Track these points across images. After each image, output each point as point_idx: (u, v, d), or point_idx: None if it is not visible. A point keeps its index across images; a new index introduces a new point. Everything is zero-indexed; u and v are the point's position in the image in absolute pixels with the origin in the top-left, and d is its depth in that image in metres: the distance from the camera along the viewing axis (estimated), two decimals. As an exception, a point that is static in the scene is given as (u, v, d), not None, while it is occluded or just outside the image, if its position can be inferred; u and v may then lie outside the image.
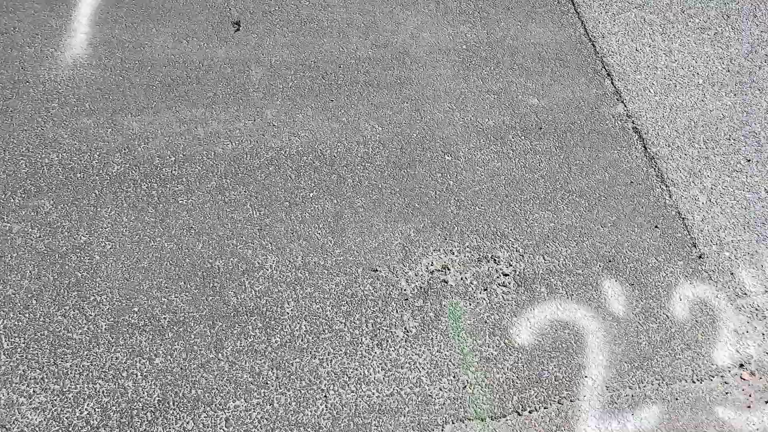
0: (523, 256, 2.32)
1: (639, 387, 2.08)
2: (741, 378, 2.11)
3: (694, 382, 2.10)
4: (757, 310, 2.25)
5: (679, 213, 2.45)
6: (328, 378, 2.03)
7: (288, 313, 2.13)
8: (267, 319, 2.11)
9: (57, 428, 1.87)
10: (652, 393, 2.08)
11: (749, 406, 2.06)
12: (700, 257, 2.35)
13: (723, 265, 2.34)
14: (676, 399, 2.07)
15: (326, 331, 2.11)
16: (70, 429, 1.87)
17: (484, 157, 2.54)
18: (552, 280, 2.27)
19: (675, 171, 2.54)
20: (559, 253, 2.33)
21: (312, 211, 2.34)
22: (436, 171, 2.48)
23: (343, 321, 2.14)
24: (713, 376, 2.12)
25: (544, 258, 2.31)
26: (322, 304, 2.16)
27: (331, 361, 2.06)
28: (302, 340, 2.09)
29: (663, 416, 2.03)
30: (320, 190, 2.39)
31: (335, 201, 2.37)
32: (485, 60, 2.81)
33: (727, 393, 2.09)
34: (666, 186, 2.51)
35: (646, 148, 2.60)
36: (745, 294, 2.28)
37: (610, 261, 2.32)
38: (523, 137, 2.60)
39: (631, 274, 2.30)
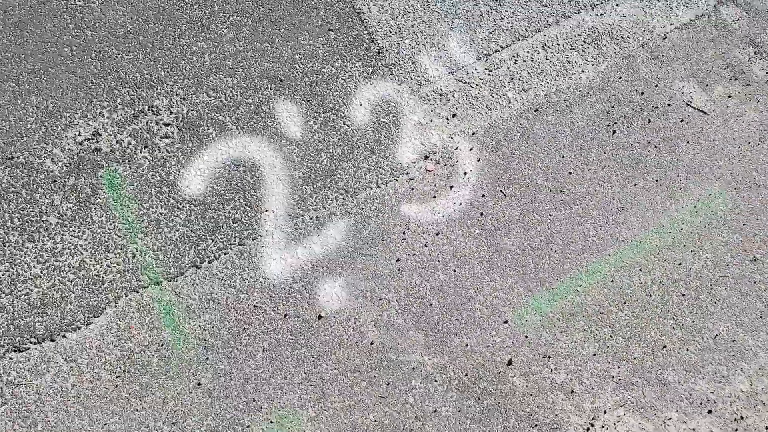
0: (184, 99, 2.06)
1: (324, 207, 1.98)
2: (426, 170, 2.04)
3: (379, 186, 2.02)
4: (440, 95, 2.13)
5: (353, 8, 2.20)
6: (-25, 290, 1.82)
7: None
8: None
9: None
10: (338, 209, 1.98)
11: (434, 196, 2.01)
12: (379, 53, 2.16)
13: (403, 55, 2.16)
14: (362, 208, 1.99)
15: (-36, 240, 1.86)
16: None
17: (127, -8, 2.15)
18: (220, 117, 2.04)
19: (348, -41, 2.25)
20: (224, 85, 2.08)
21: None
22: (67, 23, 2.10)
23: (-17, 224, 1.88)
24: (399, 176, 2.03)
25: (208, 95, 2.07)
26: (-48, 212, 1.88)
27: (-25, 270, 1.84)
28: (-64, 258, 1.83)
29: (350, 228, 1.96)
30: (-72, 80, 1.98)
31: (-51, 88, 1.98)
32: None
33: (412, 189, 2.02)
34: (340, -21, 2.23)
35: (314, -60, 2.27)
36: (428, 81, 2.14)
37: (281, 80, 2.10)
38: (172, -42, 2.21)
39: (306, 90, 2.10)
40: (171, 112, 2.04)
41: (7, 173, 1.93)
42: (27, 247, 1.87)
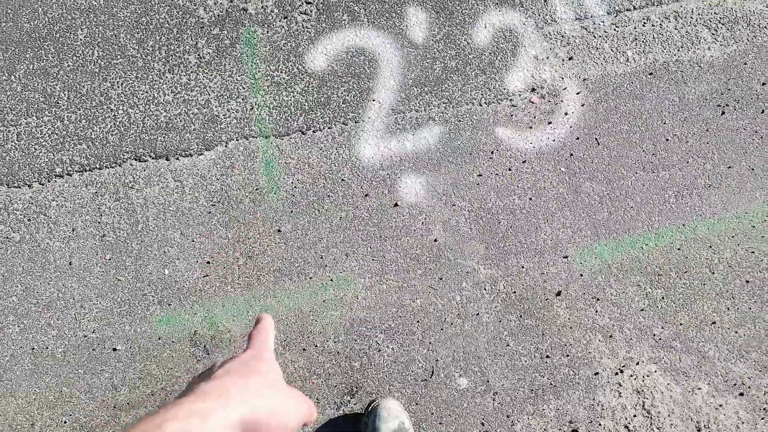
0: (330, -16, 2.24)
1: (425, 110, 2.12)
2: (530, 101, 2.13)
3: (481, 105, 2.13)
4: (563, 37, 2.20)
5: (505, -62, 2.30)
6: (117, 99, 2.10)
7: (81, 39, 2.14)
8: (60, 45, 2.13)
9: None
10: (437, 115, 2.12)
11: (531, 127, 2.11)
12: (516, -16, 2.25)
13: (539, -7, 2.24)
14: (459, 120, 2.11)
15: (118, 57, 2.13)
16: None
17: None
18: (356, 8, 2.21)
19: None
20: (369, -19, 2.24)
21: (111, -62, 2.23)
22: None
23: (136, 47, 2.15)
24: (502, 100, 2.14)
25: (352, -14, 2.24)
26: (115, 32, 2.15)
27: (122, 84, 2.11)
28: (94, 65, 2.12)
29: (443, 136, 2.10)
30: None
31: (137, -73, 2.25)
32: None
33: (511, 115, 2.12)
34: None
35: None
36: (554, 21, 2.21)
37: (420, -11, 2.24)
38: None
39: (439, 1, 2.23)
40: (314, -7, 2.22)
41: (166, 11, 2.18)
42: (166, 77, 2.13)
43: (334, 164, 2.06)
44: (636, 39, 2.19)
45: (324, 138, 2.09)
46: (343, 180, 2.05)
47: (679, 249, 1.98)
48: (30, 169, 2.03)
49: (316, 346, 1.92)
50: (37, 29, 2.14)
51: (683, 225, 2.01)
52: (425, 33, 2.19)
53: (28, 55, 2.11)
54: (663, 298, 1.94)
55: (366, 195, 2.03)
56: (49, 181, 2.02)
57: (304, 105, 2.12)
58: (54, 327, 1.94)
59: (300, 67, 2.15)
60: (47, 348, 1.92)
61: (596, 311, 1.94)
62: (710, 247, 1.99)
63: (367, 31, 2.19)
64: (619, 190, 2.04)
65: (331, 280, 1.96)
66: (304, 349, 1.92)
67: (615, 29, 2.20)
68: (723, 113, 2.11)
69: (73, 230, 1.99)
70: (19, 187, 2.02)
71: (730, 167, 2.07)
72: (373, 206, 2.03)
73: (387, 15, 2.21)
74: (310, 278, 1.96)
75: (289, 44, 2.17)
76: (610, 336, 1.91)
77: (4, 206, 2.00)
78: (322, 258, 1.98)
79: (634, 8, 2.23)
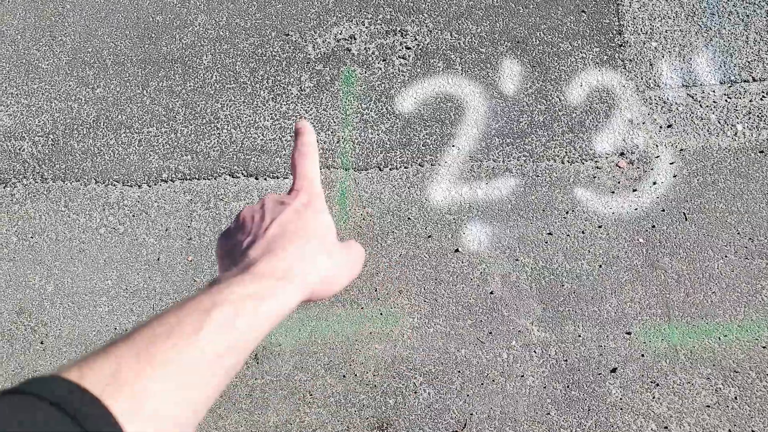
0: (431, 31, 2.33)
1: (504, 161, 2.11)
2: (616, 165, 2.04)
3: (563, 162, 2.07)
4: (664, 103, 2.08)
5: (616, -2, 2.25)
6: (224, 119, 2.34)
7: (204, 64, 2.42)
8: (186, 67, 2.43)
9: (21, 130, 2.43)
10: (515, 168, 2.10)
11: (613, 192, 2.01)
12: (621, 45, 2.18)
13: (644, 55, 2.15)
14: (538, 176, 2.07)
15: (232, 83, 2.38)
16: (30, 131, 2.42)
17: (426, -66, 2.48)
18: (452, 56, 2.28)
19: (630, -47, 2.29)
20: (468, 30, 2.30)
21: (246, -21, 2.52)
22: (373, -53, 2.50)
23: (248, 75, 2.38)
24: (586, 160, 2.06)
25: (451, 35, 2.31)
26: (233, 59, 2.41)
27: (230, 106, 2.35)
28: (211, 88, 2.39)
29: (517, 189, 2.07)
30: (259, -40, 2.55)
31: (270, -29, 2.52)
32: None
33: (594, 177, 2.04)
34: (613, -31, 2.28)
35: (606, -72, 2.34)
36: (658, 86, 2.10)
37: (518, 42, 2.25)
38: None
39: (537, 56, 2.22)
40: (415, 39, 2.32)
41: (279, 45, 2.40)
42: (269, 105, 2.33)
43: (403, 202, 2.11)
44: (750, 113, 2.02)
45: (399, 176, 2.15)
46: (409, 219, 2.09)
47: (764, 347, 1.76)
48: (142, 172, 2.31)
49: (356, 375, 1.96)
50: (172, 52, 2.45)
51: (773, 321, 1.78)
52: (517, 86, 2.19)
53: (160, 74, 2.43)
54: (736, 398, 1.73)
55: (429, 236, 2.06)
56: (156, 185, 2.29)
57: (386, 143, 2.20)
58: (135, 313, 2.17)
59: (389, 107, 2.25)
60: (125, 331, 2.15)
61: (653, 397, 1.77)
62: (803, 351, 1.74)
63: (460, 79, 2.24)
64: (702, 271, 1.87)
65: (381, 314, 1.99)
66: (344, 376, 1.96)
67: (726, 100, 2.05)
68: (843, 203, 1.86)
69: (166, 230, 2.23)
70: (131, 186, 2.30)
71: (842, 265, 1.81)
72: (433, 248, 2.04)
73: (482, 65, 2.24)
74: (362, 308, 2.01)
75: (383, 85, 2.28)
76: (665, 427, 1.73)
77: (116, 201, 2.30)
78: (376, 291, 2.02)
79: (754, 80, 2.06)
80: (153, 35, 2.48)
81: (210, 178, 2.27)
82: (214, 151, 2.29)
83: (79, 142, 2.38)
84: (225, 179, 2.26)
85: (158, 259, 2.21)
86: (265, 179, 2.23)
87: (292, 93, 2.32)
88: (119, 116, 2.39)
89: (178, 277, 2.17)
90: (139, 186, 2.30)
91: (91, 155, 2.37)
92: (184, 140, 2.32)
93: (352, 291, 2.03)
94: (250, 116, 2.32)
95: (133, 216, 2.27)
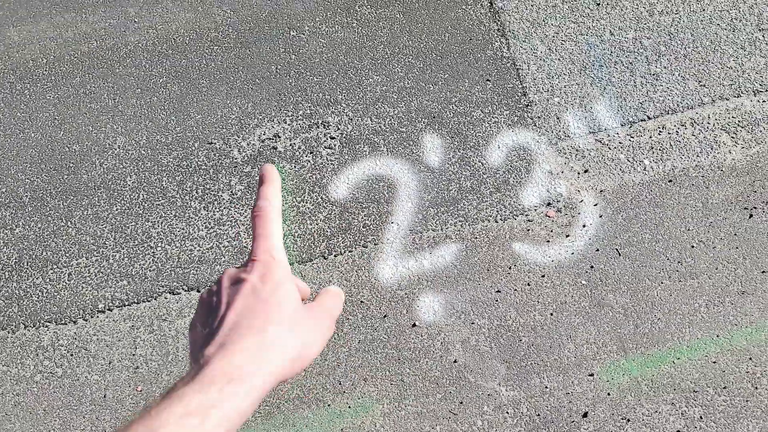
0: (352, 119, 2.53)
1: (442, 229, 2.28)
2: (546, 215, 2.24)
3: (497, 221, 2.26)
4: (577, 151, 2.34)
5: (514, 64, 2.53)
6: (157, 237, 2.40)
7: (129, 185, 2.51)
8: (111, 191, 2.50)
9: (-63, 285, 2.40)
10: (454, 234, 2.27)
11: (548, 241, 2.20)
12: (527, 105, 2.44)
13: (550, 111, 2.42)
14: (476, 237, 2.25)
15: (160, 198, 2.47)
16: (-53, 285, 2.39)
17: (328, 29, 2.73)
18: (376, 139, 2.47)
19: (518, 23, 2.60)
20: (386, 113, 2.51)
21: (160, 96, 2.67)
22: (280, 47, 2.71)
23: (176, 189, 2.48)
24: (518, 216, 2.26)
25: (371, 120, 2.51)
26: (159, 176, 2.51)
27: (161, 223, 2.43)
28: (139, 207, 2.46)
29: (460, 253, 2.23)
30: (170, 76, 2.71)
31: (182, 84, 2.68)
32: (345, -65, 2.94)
33: (528, 230, 2.23)
34: (506, 39, 2.59)
35: (491, 3, 2.67)
36: (568, 136, 2.36)
37: (434, 117, 2.48)
38: (369, 6, 2.76)
39: (454, 128, 2.45)
40: (338, 129, 2.51)
41: (204, 154, 2.53)
42: (201, 214, 2.43)
43: (353, 287, 2.22)
44: (652, 148, 2.29)
45: (345, 261, 2.27)
46: (362, 302, 2.19)
47: (714, 362, 1.94)
48: (76, 307, 2.32)
49: (336, 475, 1.98)
50: (93, 179, 2.53)
51: (717, 336, 1.98)
52: (440, 157, 2.40)
53: (83, 203, 2.48)
54: (701, 417, 1.88)
55: (384, 316, 2.16)
56: (92, 317, 2.30)
57: (327, 231, 2.33)
58: (89, 457, 2.12)
59: (324, 196, 2.39)
60: (81, 479, 2.09)
61: (628, 434, 1.90)
62: (750, 358, 1.93)
63: (387, 159, 2.42)
64: (645, 301, 2.06)
65: (349, 407, 2.05)
66: (323, 479, 1.98)
67: (630, 139, 2.32)
68: (751, 216, 2.13)
69: (109, 363, 2.23)
70: (66, 324, 2.30)
71: (764, 272, 2.05)
72: (391, 328, 2.14)
73: (405, 143, 2.45)
74: (329, 405, 2.06)
75: (314, 176, 2.43)
76: (647, 462, 1.85)
77: (51, 343, 2.28)
78: (340, 384, 2.09)
79: (648, 118, 2.35)
80: (71, 164, 2.56)
81: (150, 299, 2.30)
82: (150, 271, 2.34)
83: (0, 288, 2.37)
84: (165, 298, 2.30)
85: (105, 396, 2.19)
86: (209, 289, 2.29)
87: (223, 199, 2.43)
88: (44, 253, 2.41)
89: (128, 411, 2.16)
90: (74, 322, 2.30)
91: (16, 299, 2.36)
92: (117, 266, 2.36)
93: (316, 389, 2.09)
94: (183, 229, 2.40)
95: (71, 355, 2.26)
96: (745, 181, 2.19)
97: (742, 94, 2.31)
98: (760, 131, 2.26)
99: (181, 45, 2.76)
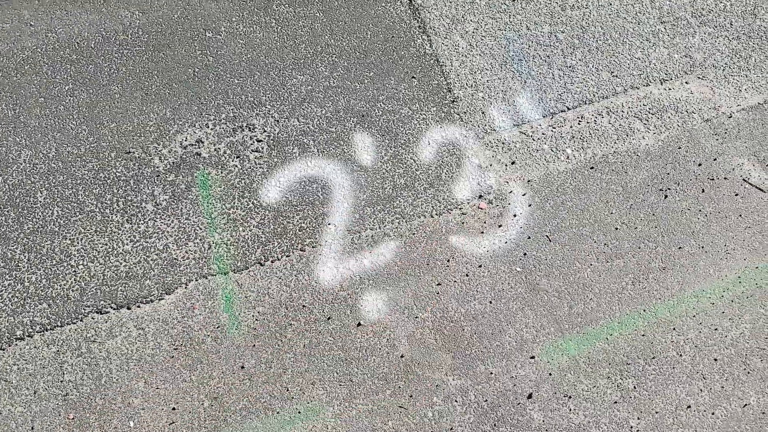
0: (278, 121, 2.59)
1: (379, 227, 2.39)
2: (478, 207, 2.41)
3: (432, 216, 2.41)
4: (503, 143, 2.53)
5: (438, 61, 2.69)
6: (78, 255, 2.36)
7: (41, 202, 2.44)
8: (19, 209, 2.43)
9: None
10: (392, 231, 2.39)
11: (482, 232, 2.37)
12: (453, 101, 2.61)
13: (475, 106, 2.60)
14: (414, 233, 2.38)
15: (78, 214, 2.43)
16: None
17: (246, 29, 2.77)
18: (305, 140, 2.55)
19: (438, 19, 2.77)
20: (314, 114, 2.60)
21: (67, 104, 2.61)
22: (196, 49, 2.73)
23: (95, 202, 2.45)
24: (452, 209, 2.42)
25: (299, 120, 2.59)
26: (74, 190, 2.46)
27: (81, 239, 2.38)
28: (54, 225, 2.41)
29: (399, 250, 2.35)
30: (76, 83, 2.65)
31: (91, 91, 2.63)
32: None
33: (463, 223, 2.39)
34: (428, 36, 2.74)
35: (411, 1, 2.82)
36: (494, 130, 2.55)
37: (363, 116, 2.59)
38: (287, 5, 2.82)
39: (383, 126, 2.57)
40: (264, 131, 2.57)
41: (122, 164, 2.51)
42: (125, 227, 2.41)
43: (294, 291, 2.29)
44: (573, 137, 2.52)
45: (283, 267, 2.34)
46: (304, 306, 2.27)
47: (643, 335, 2.18)
48: (-7, 334, 2.25)
49: (291, 482, 2.05)
50: (-1, 196, 2.44)
51: (644, 310, 2.22)
52: (373, 156, 2.51)
53: (-10, 222, 2.40)
54: (635, 387, 2.11)
55: (328, 318, 2.25)
56: (9, 346, 2.23)
57: (261, 237, 2.39)
58: (20, 496, 2.07)
59: (255, 201, 2.44)
60: None
61: (570, 410, 2.09)
62: (674, 329, 2.19)
63: (318, 160, 2.51)
64: (576, 283, 2.27)
65: (299, 412, 2.12)
66: (278, 488, 2.04)
67: (552, 130, 2.54)
68: (666, 197, 2.39)
69: (34, 393, 2.17)
70: (-17, 353, 2.22)
71: (680, 248, 2.31)
72: (336, 329, 2.23)
73: (335, 143, 2.54)
74: (278, 413, 2.12)
75: (243, 181, 2.48)
76: (589, 434, 2.06)
77: (-33, 374, 2.20)
78: (288, 390, 2.15)
79: (567, 109, 2.58)
80: (-29, 182, 2.46)
81: (75, 321, 2.27)
82: (73, 291, 2.30)
83: None
84: (93, 318, 2.27)
85: (32, 428, 2.14)
86: (139, 306, 2.28)
87: (147, 210, 2.43)
88: (-51, 279, 2.31)
89: (63, 438, 2.12)
90: (-8, 351, 2.22)
91: None
92: (34, 288, 2.31)
93: (263, 397, 2.14)
94: (106, 244, 2.37)
95: (-8, 386, 2.19)
96: (659, 165, 2.45)
97: (650, 83, 2.59)
98: (668, 117, 2.53)
99: (86, 49, 2.71)
